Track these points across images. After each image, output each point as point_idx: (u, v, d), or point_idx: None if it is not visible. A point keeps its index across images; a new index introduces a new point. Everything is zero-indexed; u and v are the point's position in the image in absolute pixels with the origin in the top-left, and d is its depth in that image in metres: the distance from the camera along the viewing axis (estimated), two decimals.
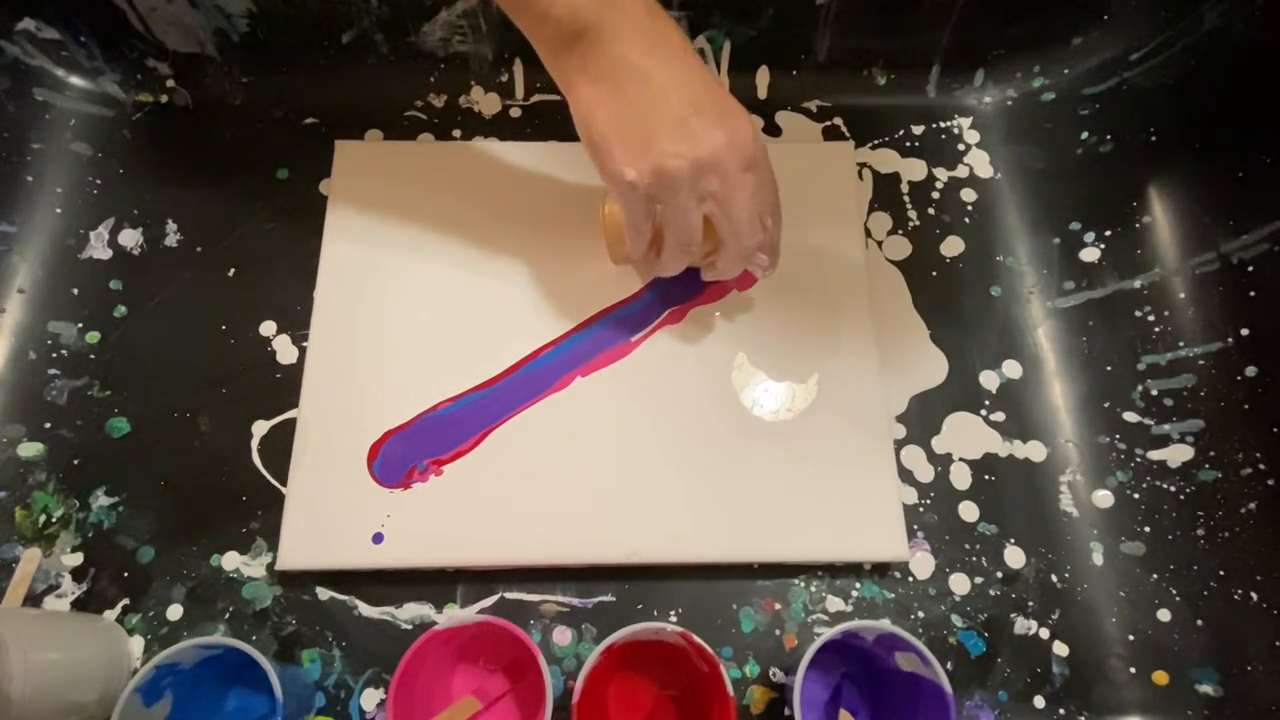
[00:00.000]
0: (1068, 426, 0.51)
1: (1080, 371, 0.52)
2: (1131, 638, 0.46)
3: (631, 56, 0.38)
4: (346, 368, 0.49)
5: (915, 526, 0.48)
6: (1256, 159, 0.52)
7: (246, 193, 0.56)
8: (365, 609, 0.46)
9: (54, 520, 0.47)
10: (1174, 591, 0.47)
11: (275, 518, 0.46)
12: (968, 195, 0.57)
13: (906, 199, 0.57)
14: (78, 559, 0.46)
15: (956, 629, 0.46)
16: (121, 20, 0.55)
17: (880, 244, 0.56)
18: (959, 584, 0.47)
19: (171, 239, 0.54)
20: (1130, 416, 0.51)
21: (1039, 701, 0.45)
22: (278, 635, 0.45)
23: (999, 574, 0.48)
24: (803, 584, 0.47)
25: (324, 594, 0.46)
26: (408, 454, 0.47)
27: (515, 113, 0.59)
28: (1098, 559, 0.48)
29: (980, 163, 0.58)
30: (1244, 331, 0.51)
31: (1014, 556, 0.48)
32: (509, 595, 0.46)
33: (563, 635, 0.46)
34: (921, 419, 0.51)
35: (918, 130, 0.59)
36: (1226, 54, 0.54)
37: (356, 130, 0.57)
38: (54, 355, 0.51)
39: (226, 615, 0.46)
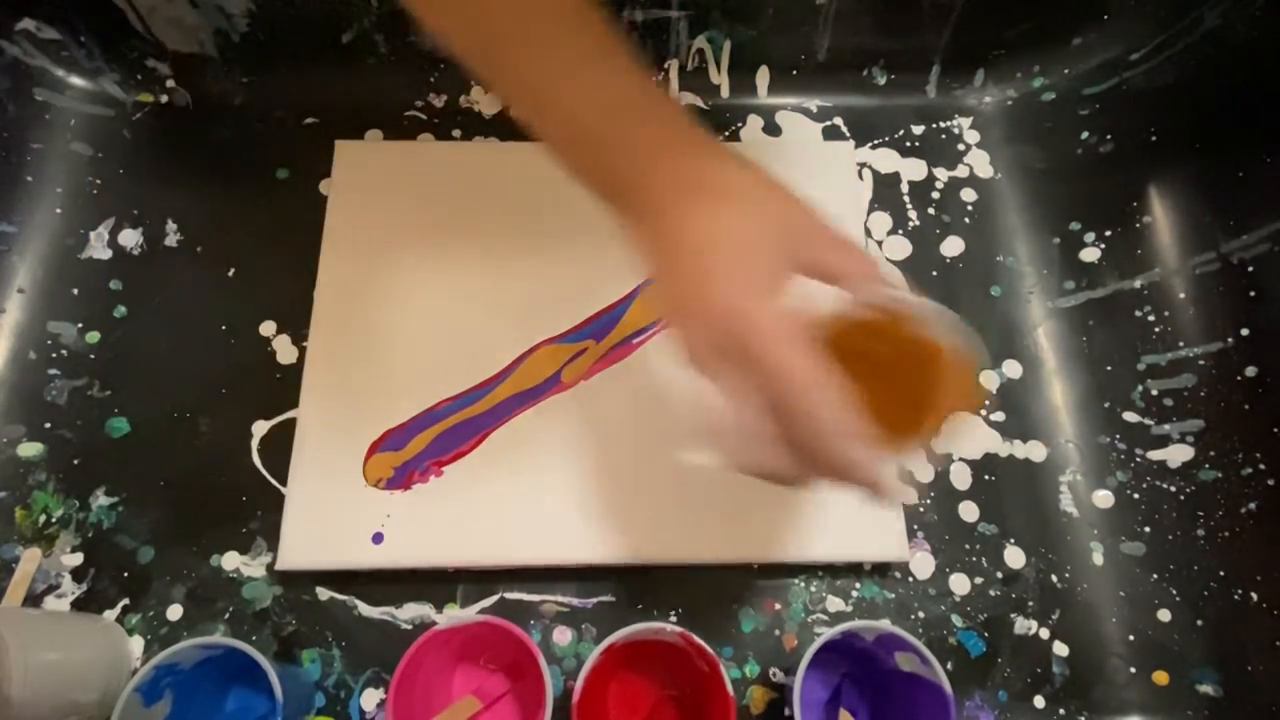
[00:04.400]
0: (1068, 426, 0.51)
1: (1080, 371, 0.52)
2: (1131, 638, 0.46)
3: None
4: (346, 368, 0.49)
5: (915, 526, 0.48)
6: (1256, 159, 0.52)
7: (246, 193, 0.56)
8: (365, 609, 0.46)
9: (54, 520, 0.47)
10: (1174, 591, 0.47)
11: (275, 518, 0.46)
12: (968, 195, 0.57)
13: (906, 199, 0.57)
14: (78, 559, 0.46)
15: (956, 629, 0.46)
16: (121, 20, 0.55)
17: (880, 244, 0.56)
18: (959, 584, 0.47)
19: (171, 239, 0.54)
20: (1130, 416, 0.51)
21: (1039, 701, 0.45)
22: (278, 635, 0.45)
23: (999, 574, 0.48)
24: (803, 584, 0.47)
25: (324, 594, 0.46)
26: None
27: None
28: (1098, 559, 0.48)
29: (980, 163, 0.58)
30: (1244, 331, 0.51)
31: (1014, 556, 0.48)
32: (509, 595, 0.46)
33: (563, 635, 0.46)
34: None
35: (918, 130, 0.59)
36: (1226, 54, 0.54)
37: (356, 130, 0.57)
38: (54, 355, 0.51)
39: (226, 615, 0.46)
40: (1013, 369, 0.52)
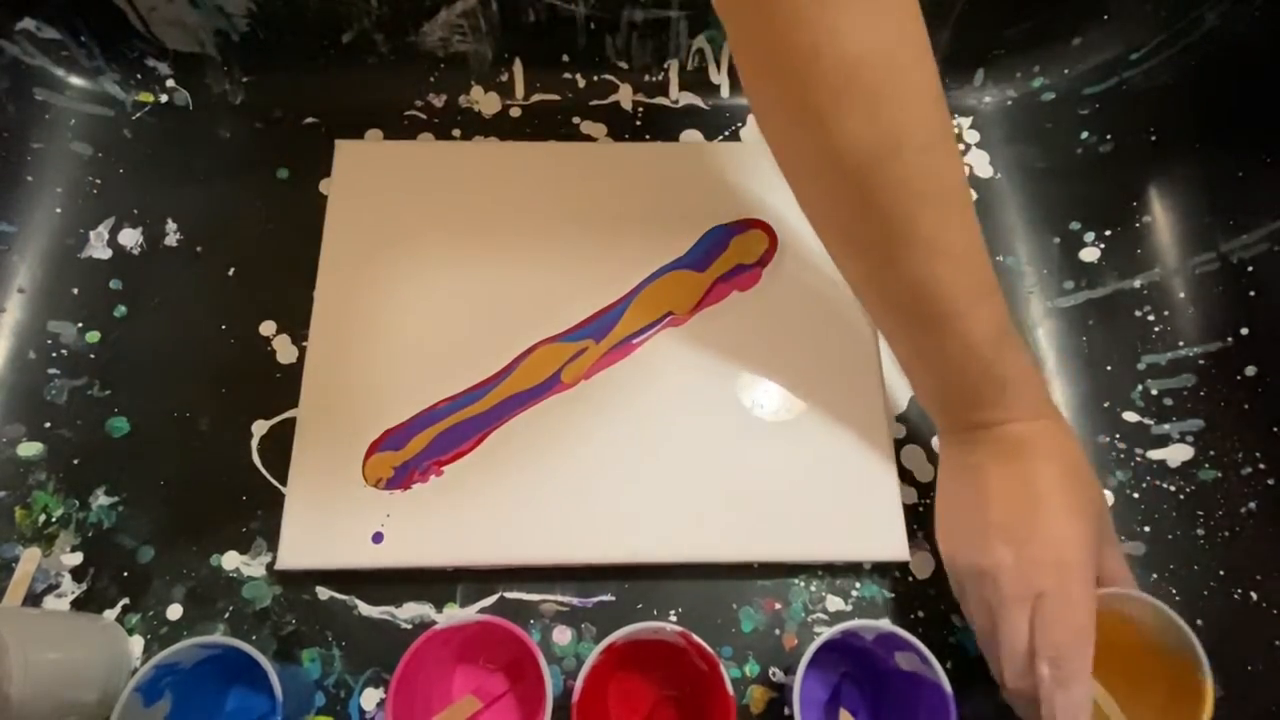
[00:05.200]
0: None
1: (1080, 371, 0.52)
2: None
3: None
4: (346, 368, 0.49)
5: (915, 526, 0.48)
6: (1256, 159, 0.52)
7: (246, 193, 0.56)
8: (365, 609, 0.46)
9: (54, 520, 0.47)
10: (1174, 591, 0.47)
11: (275, 518, 0.46)
12: None
13: None
14: (77, 559, 0.46)
15: (956, 628, 0.46)
16: (121, 20, 0.55)
17: None
18: None
19: (171, 239, 0.54)
20: (1130, 416, 0.51)
21: None
22: (278, 635, 0.45)
23: None
24: (803, 584, 0.47)
25: (324, 594, 0.46)
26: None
27: (515, 113, 0.59)
28: None
29: (980, 163, 0.58)
30: (1244, 331, 0.51)
31: None
32: (509, 595, 0.46)
33: (563, 635, 0.46)
34: (921, 419, 0.51)
35: None
36: (1226, 54, 0.54)
37: (356, 130, 0.57)
38: (54, 355, 0.51)
39: (226, 615, 0.46)
40: None
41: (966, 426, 0.41)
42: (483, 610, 0.46)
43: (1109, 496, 0.49)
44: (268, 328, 0.52)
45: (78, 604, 0.46)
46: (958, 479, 0.42)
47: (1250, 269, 0.51)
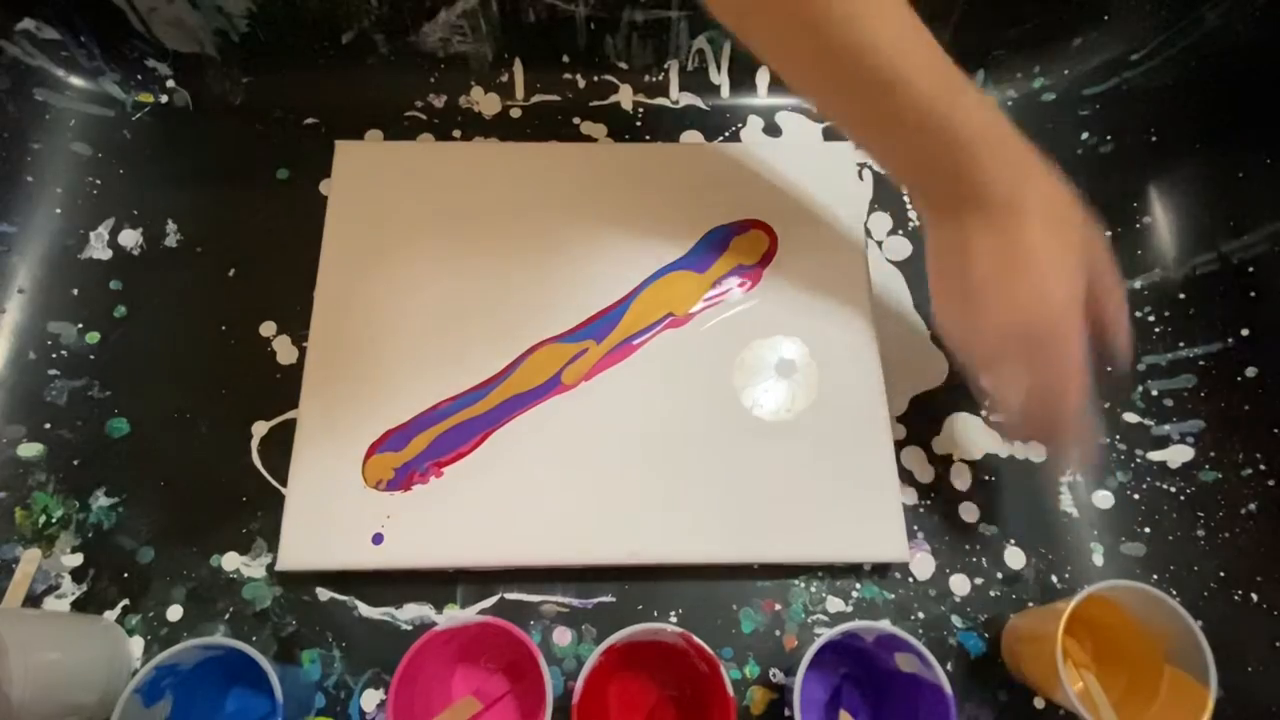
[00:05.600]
0: None
1: None
2: None
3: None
4: (346, 368, 0.49)
5: (915, 527, 0.48)
6: (1256, 159, 0.52)
7: (246, 193, 0.56)
8: (365, 609, 0.46)
9: (54, 520, 0.47)
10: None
11: (275, 518, 0.46)
12: None
13: (906, 199, 0.57)
14: (78, 559, 0.46)
15: (956, 629, 0.46)
16: (121, 20, 0.55)
17: (880, 244, 0.56)
18: (959, 584, 0.47)
19: (171, 239, 0.54)
20: (1130, 417, 0.51)
21: (1039, 702, 0.45)
22: (278, 636, 0.45)
23: (999, 574, 0.48)
24: (803, 584, 0.47)
25: (324, 594, 0.46)
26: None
27: (515, 113, 0.59)
28: (1098, 559, 0.48)
29: None
30: (1244, 331, 0.51)
31: (1014, 557, 0.48)
32: (509, 596, 0.46)
33: (563, 635, 0.46)
34: (921, 419, 0.51)
35: None
36: (1226, 54, 0.54)
37: (356, 130, 0.57)
38: (54, 355, 0.51)
39: (226, 615, 0.46)
40: None
41: (950, 206, 0.41)
42: (483, 611, 0.46)
43: (1109, 498, 0.49)
44: (268, 328, 0.52)
45: (78, 605, 0.46)
46: (944, 257, 0.42)
47: (1250, 269, 0.51)
